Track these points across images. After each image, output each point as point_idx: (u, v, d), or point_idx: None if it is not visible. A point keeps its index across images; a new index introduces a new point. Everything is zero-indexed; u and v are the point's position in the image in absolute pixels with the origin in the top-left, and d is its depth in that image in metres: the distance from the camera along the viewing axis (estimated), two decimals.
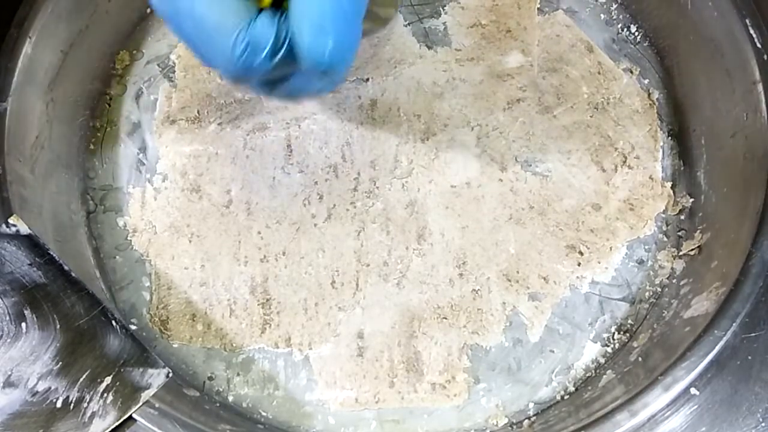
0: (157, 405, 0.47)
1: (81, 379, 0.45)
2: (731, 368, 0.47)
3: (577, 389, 0.55)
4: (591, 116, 0.61)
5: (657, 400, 0.47)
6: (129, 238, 0.58)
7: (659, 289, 0.57)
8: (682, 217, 0.59)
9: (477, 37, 0.63)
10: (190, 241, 0.58)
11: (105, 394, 0.45)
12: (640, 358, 0.53)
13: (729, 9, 0.55)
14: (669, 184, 0.60)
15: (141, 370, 0.46)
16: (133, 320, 0.56)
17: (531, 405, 0.55)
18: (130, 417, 0.45)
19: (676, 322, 0.53)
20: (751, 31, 0.54)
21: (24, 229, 0.48)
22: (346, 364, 0.55)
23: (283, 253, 0.57)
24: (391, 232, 0.58)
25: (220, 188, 0.59)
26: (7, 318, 0.46)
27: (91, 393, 0.45)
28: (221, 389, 0.55)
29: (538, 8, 0.65)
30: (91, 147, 0.61)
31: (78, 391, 0.45)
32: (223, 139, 0.60)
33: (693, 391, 0.46)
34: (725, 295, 0.49)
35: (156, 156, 0.60)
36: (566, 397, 0.55)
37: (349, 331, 0.56)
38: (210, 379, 0.55)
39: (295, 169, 0.60)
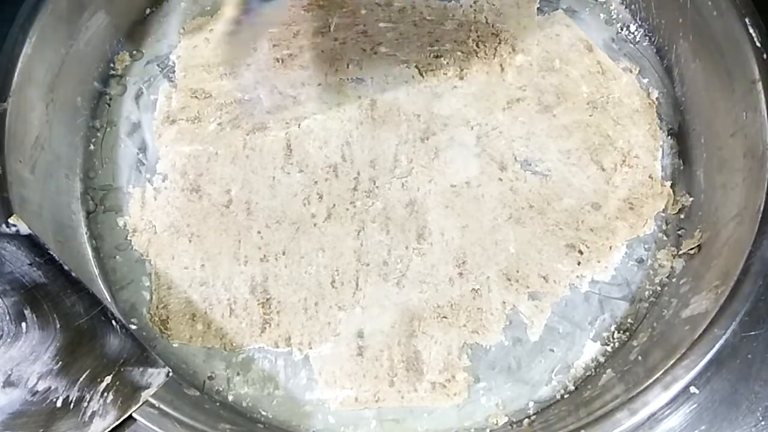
0: (157, 404, 0.47)
1: (81, 379, 0.45)
2: (731, 367, 0.47)
3: (577, 388, 0.55)
4: (590, 115, 0.61)
5: (657, 398, 0.47)
6: (129, 238, 0.58)
7: (659, 288, 0.57)
8: (682, 216, 0.59)
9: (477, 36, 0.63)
10: (190, 241, 0.58)
11: (105, 394, 0.45)
12: (639, 357, 0.53)
13: (729, 8, 0.55)
14: (668, 183, 0.60)
15: (141, 369, 0.46)
16: (133, 320, 0.57)
17: (531, 404, 0.55)
18: (130, 416, 0.45)
19: (675, 321, 0.53)
20: (751, 31, 0.54)
21: (24, 229, 0.48)
22: (346, 363, 0.55)
23: (283, 253, 0.57)
24: (390, 232, 0.58)
25: (219, 188, 0.59)
26: (7, 318, 0.46)
27: (91, 392, 0.45)
28: (221, 389, 0.55)
29: (537, 8, 0.65)
30: (91, 147, 0.61)
31: (78, 391, 0.45)
32: (223, 139, 0.60)
33: (692, 389, 0.46)
34: (725, 294, 0.49)
35: (156, 156, 0.60)
36: (566, 396, 0.55)
37: (348, 330, 0.56)
38: (210, 378, 0.55)
39: (294, 169, 0.60)
